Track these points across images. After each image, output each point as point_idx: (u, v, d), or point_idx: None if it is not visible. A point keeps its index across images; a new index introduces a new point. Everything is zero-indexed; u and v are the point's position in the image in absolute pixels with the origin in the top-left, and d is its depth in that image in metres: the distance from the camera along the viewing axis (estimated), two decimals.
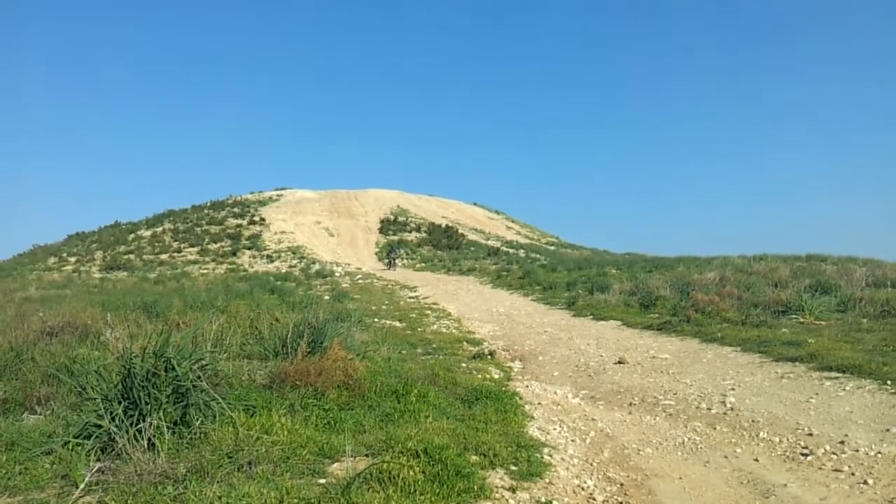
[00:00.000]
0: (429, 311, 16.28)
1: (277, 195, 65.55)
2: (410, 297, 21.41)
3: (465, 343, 9.57)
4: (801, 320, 9.65)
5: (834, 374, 5.70)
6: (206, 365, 4.05)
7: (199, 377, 3.92)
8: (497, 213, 71.96)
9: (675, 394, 5.63)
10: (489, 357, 8.33)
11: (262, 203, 61.00)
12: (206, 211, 57.37)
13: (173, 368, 3.76)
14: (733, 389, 5.58)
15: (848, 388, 5.14)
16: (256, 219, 53.60)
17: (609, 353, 8.33)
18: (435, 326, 12.69)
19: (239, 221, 53.02)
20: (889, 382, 5.12)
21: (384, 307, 17.77)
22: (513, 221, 68.71)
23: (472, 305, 18.30)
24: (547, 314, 15.01)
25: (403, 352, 8.47)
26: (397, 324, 13.16)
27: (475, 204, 73.39)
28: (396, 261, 40.22)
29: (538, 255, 44.11)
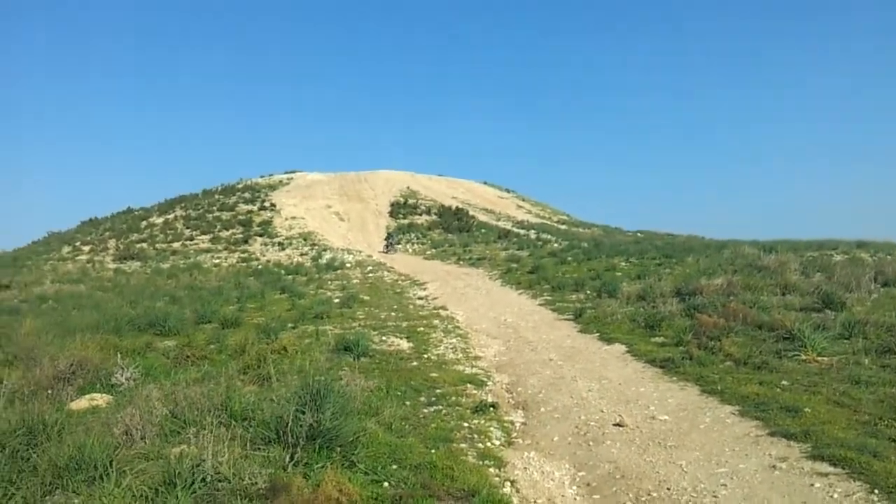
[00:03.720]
0: (437, 322, 16.47)
1: (288, 178, 65.69)
2: (419, 299, 21.66)
3: (468, 385, 9.71)
4: (804, 357, 9.70)
5: (825, 467, 5.75)
6: None
7: None
8: (507, 191, 71.75)
9: (668, 489, 5.74)
10: (492, 410, 8.48)
11: (273, 187, 61.19)
12: (217, 196, 57.69)
13: None
14: (725, 485, 5.66)
15: (836, 496, 5.20)
16: (267, 204, 53.89)
17: (610, 405, 8.43)
18: (441, 349, 12.87)
19: (250, 207, 53.31)
20: (877, 491, 5.17)
21: (392, 313, 17.97)
22: (523, 200, 68.50)
23: (479, 311, 18.50)
24: (553, 327, 15.14)
25: (407, 403, 8.64)
26: (404, 344, 13.37)
27: (485, 183, 73.15)
28: (396, 246, 43.71)
29: (549, 236, 44.11)
